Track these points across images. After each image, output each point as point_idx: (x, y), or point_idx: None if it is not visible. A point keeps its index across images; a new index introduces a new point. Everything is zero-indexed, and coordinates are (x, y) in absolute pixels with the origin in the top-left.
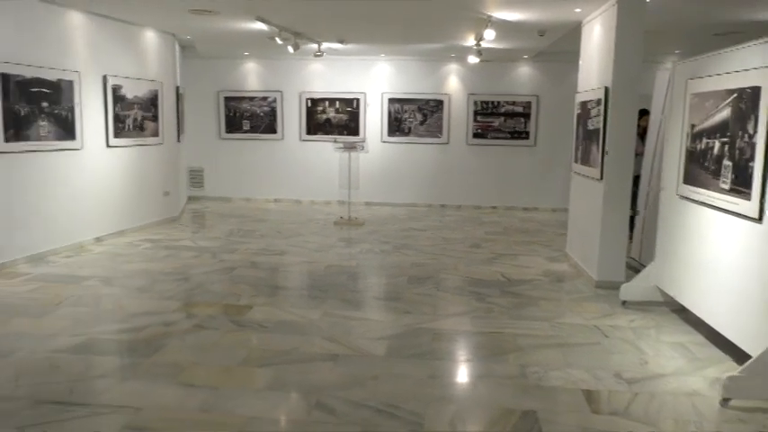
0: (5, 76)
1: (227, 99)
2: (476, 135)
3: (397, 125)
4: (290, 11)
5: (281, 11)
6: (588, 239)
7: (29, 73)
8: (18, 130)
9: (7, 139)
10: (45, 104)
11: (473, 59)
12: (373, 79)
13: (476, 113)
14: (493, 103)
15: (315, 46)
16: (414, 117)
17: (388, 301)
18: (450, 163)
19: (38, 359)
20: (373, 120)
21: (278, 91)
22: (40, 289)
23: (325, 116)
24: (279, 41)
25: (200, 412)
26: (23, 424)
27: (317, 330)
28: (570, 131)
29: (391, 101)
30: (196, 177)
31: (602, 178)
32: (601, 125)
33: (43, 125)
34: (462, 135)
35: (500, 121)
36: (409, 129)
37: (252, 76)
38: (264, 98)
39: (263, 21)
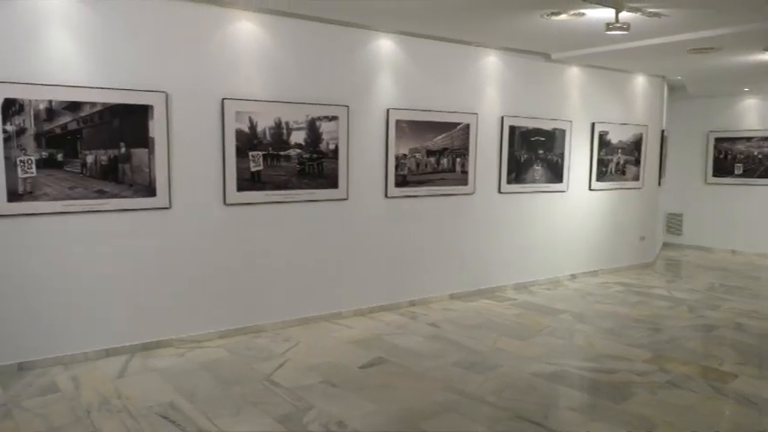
0: (512, 129)
1: (718, 140)
2: None
3: None
4: None
5: None
6: None
7: (530, 124)
8: (518, 173)
9: (509, 181)
10: (541, 151)
11: None
12: None
13: None
14: None
15: None
16: None
17: None
18: None
19: (518, 377)
20: None
21: None
22: (522, 315)
23: None
24: None
25: None
26: (505, 431)
27: None
28: None
29: None
30: (674, 223)
31: None
32: None
33: (537, 169)
34: None
35: None
36: None
37: (751, 114)
38: (765, 138)
39: None
